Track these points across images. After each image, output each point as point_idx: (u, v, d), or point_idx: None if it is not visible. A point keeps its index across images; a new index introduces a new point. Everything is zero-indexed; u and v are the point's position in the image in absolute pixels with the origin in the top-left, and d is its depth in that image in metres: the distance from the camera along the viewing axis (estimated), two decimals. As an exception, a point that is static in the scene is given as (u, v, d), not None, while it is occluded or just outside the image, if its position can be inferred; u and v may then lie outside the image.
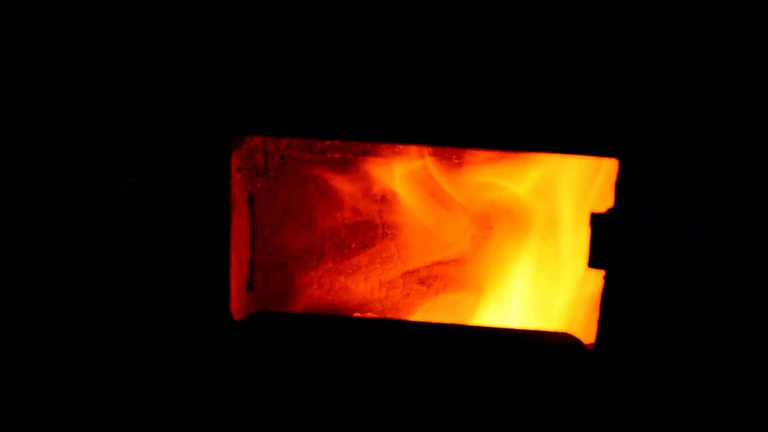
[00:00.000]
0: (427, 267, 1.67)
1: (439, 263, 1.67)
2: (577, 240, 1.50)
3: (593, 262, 1.27)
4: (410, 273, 1.68)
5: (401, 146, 1.57)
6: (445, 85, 1.24)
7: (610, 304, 1.28)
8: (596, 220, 1.27)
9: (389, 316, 1.68)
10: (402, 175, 1.61)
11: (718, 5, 1.18)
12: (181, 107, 1.27)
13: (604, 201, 1.29)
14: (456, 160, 1.59)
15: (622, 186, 1.24)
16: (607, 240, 1.26)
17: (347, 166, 1.62)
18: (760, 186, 1.23)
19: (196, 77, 1.26)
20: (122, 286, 1.35)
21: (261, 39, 1.24)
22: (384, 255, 1.66)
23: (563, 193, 1.53)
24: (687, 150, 1.22)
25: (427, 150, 1.57)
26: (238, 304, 1.44)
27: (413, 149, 1.58)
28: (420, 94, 1.24)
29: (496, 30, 1.21)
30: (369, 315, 1.68)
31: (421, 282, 1.68)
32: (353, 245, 1.66)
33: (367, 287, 1.68)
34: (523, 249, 1.60)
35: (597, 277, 1.30)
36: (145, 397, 1.38)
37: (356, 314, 1.68)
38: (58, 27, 1.26)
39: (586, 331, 1.38)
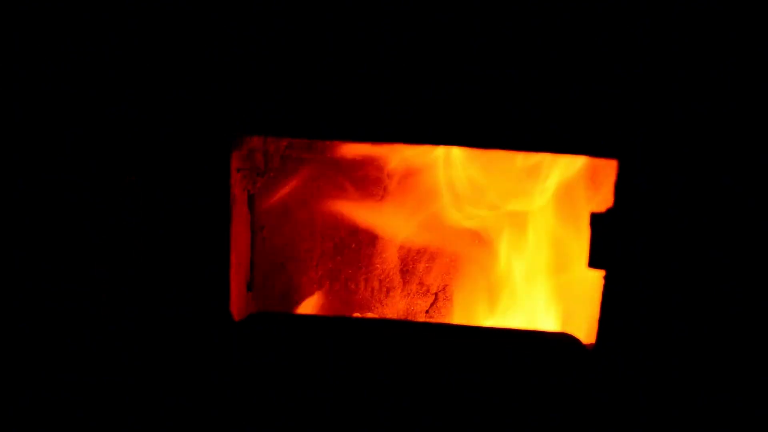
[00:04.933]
0: (427, 266, 1.67)
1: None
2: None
3: (593, 262, 1.27)
4: (410, 272, 1.68)
5: (402, 146, 1.58)
6: (445, 86, 1.24)
7: (610, 304, 1.28)
8: (596, 220, 1.27)
9: (389, 316, 1.68)
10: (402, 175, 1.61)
11: (717, 6, 1.18)
12: (181, 107, 1.27)
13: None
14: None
15: (622, 186, 1.24)
16: (607, 240, 1.26)
17: (347, 165, 1.62)
18: (759, 186, 1.23)
19: (196, 77, 1.26)
20: (122, 286, 1.35)
21: (261, 39, 1.24)
22: (384, 255, 1.67)
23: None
24: (687, 150, 1.22)
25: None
26: (238, 304, 1.44)
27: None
28: (420, 95, 1.24)
29: (496, 30, 1.22)
30: (369, 315, 1.69)
31: (421, 282, 1.68)
32: (353, 245, 1.66)
33: (367, 287, 1.68)
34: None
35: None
36: (145, 397, 1.38)
37: (356, 314, 1.68)
38: (59, 27, 1.26)
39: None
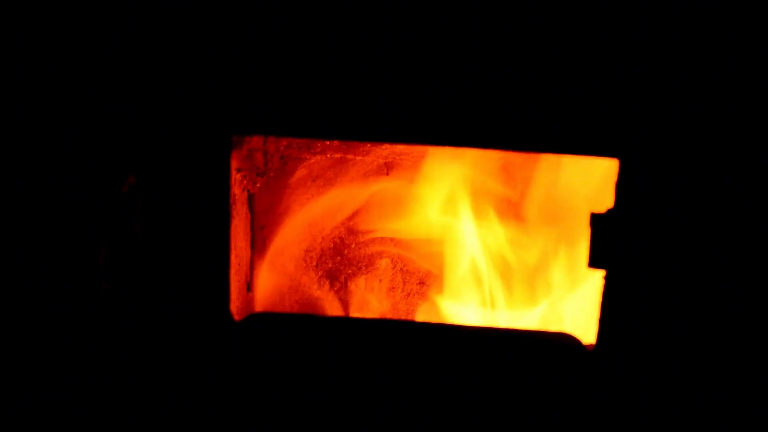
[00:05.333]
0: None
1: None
2: None
3: (593, 262, 1.27)
4: (410, 273, 1.68)
5: (402, 146, 1.58)
6: (445, 86, 1.24)
7: (610, 304, 1.28)
8: (596, 220, 1.27)
9: (389, 316, 1.68)
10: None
11: (716, 6, 1.18)
12: (181, 107, 1.27)
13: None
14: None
15: (622, 186, 1.24)
16: (607, 240, 1.26)
17: (347, 166, 1.62)
18: (759, 185, 1.23)
19: (196, 77, 1.26)
20: (122, 286, 1.35)
21: (261, 39, 1.24)
22: (384, 254, 1.66)
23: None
24: (687, 150, 1.22)
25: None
26: (238, 305, 1.44)
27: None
28: (420, 95, 1.24)
29: (496, 30, 1.22)
30: (369, 315, 1.68)
31: (421, 282, 1.68)
32: (353, 245, 1.66)
33: (367, 287, 1.68)
34: None
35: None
36: (145, 397, 1.38)
37: (356, 314, 1.68)
38: (59, 26, 1.26)
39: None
